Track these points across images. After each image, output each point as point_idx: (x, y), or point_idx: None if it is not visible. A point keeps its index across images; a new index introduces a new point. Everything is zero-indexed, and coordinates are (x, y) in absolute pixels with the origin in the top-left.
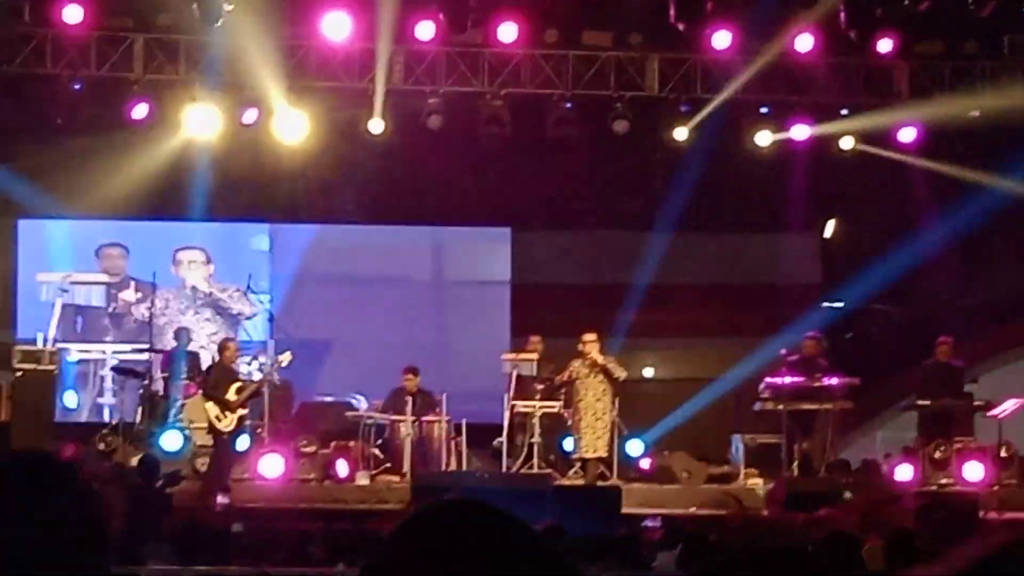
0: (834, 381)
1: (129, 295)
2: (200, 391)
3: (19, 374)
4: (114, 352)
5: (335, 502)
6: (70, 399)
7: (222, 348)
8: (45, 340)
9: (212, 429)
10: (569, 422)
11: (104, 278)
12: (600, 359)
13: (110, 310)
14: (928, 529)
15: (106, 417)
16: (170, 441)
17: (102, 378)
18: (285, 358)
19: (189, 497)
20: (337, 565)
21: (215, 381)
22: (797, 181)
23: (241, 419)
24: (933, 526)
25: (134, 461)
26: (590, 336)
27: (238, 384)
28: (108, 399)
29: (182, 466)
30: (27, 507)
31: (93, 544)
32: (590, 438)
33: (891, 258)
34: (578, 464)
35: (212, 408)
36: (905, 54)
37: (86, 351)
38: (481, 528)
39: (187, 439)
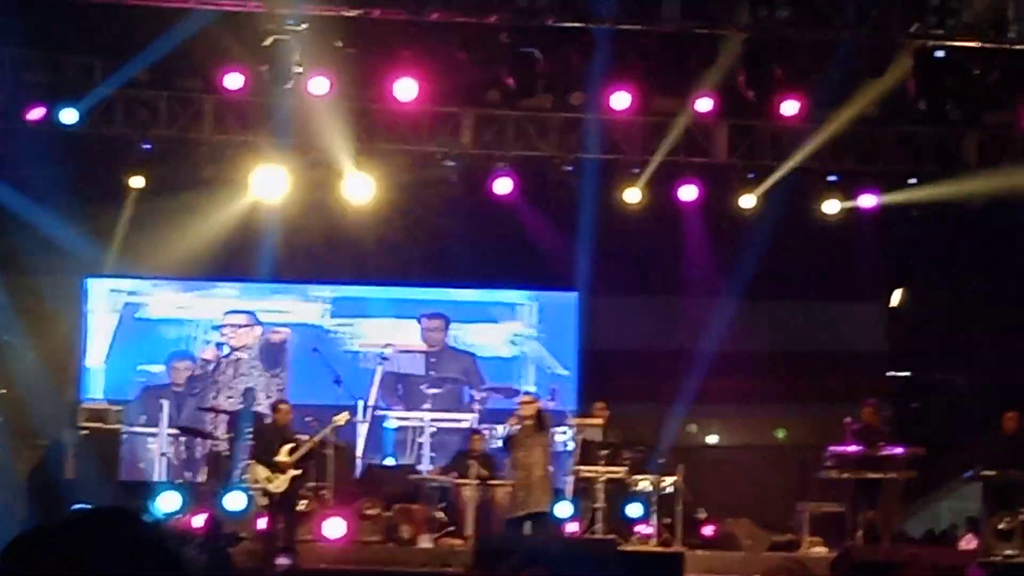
0: (899, 450)
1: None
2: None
3: (84, 432)
4: (432, 419)
5: (398, 564)
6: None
7: (275, 409)
8: (366, 407)
9: (265, 491)
10: (631, 488)
11: (423, 347)
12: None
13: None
14: None
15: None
16: (234, 501)
17: (420, 444)
18: (342, 418)
19: (250, 558)
20: None
21: (266, 443)
22: (864, 249)
23: (295, 479)
24: None
25: (197, 520)
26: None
27: (291, 445)
28: (425, 464)
29: (244, 527)
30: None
31: None
32: (539, 494)
33: (958, 327)
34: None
35: (262, 471)
36: (974, 123)
37: (405, 418)
38: None
39: (251, 499)
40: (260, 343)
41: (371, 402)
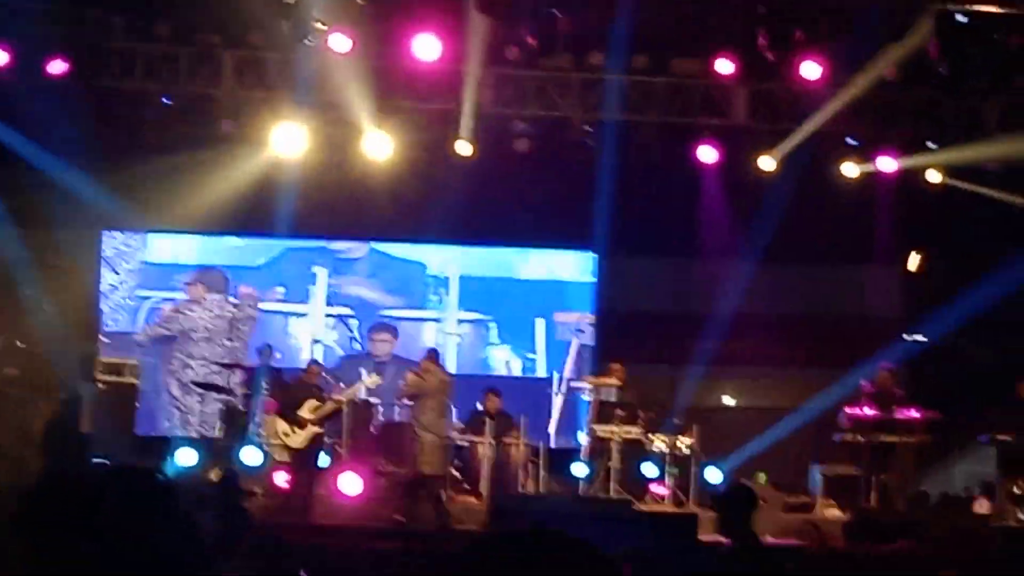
0: (914, 414)
1: None
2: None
3: (101, 386)
4: None
5: (412, 521)
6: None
7: (306, 370)
8: (560, 379)
9: (284, 446)
10: (647, 448)
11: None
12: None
13: None
14: (1005, 564)
15: None
16: (250, 456)
17: None
18: (373, 380)
19: (266, 513)
20: None
21: (291, 398)
22: (882, 213)
23: (314, 437)
24: (1010, 561)
25: (213, 475)
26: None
27: (315, 402)
28: None
29: (259, 482)
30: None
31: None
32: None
33: (974, 293)
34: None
35: (281, 424)
36: (995, 88)
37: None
38: (559, 559)
39: (266, 455)
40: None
41: (567, 375)
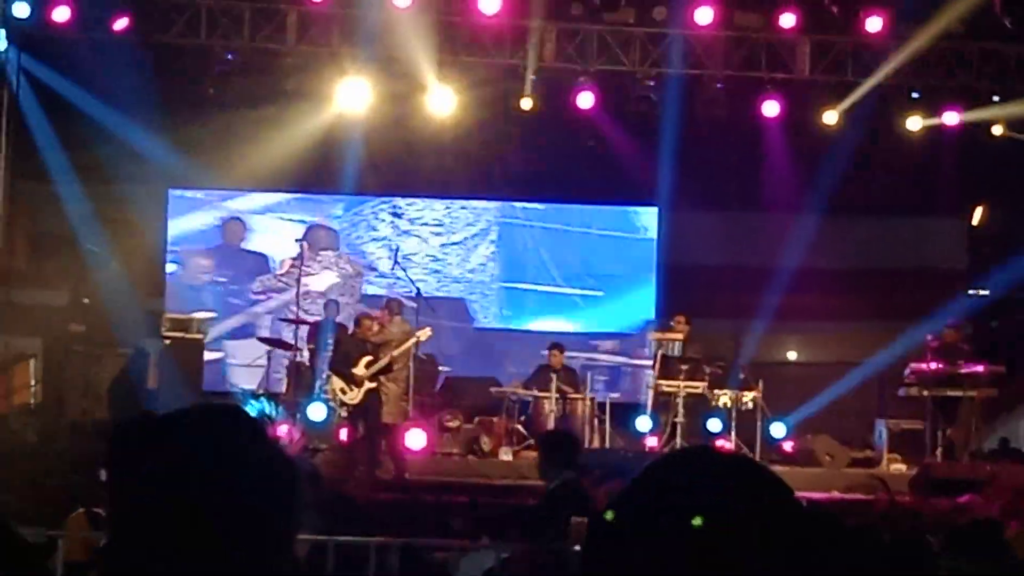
0: (979, 368)
1: None
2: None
3: (167, 342)
4: None
5: (478, 477)
6: None
7: (357, 323)
8: None
9: (343, 403)
10: (711, 403)
11: None
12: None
13: None
14: None
15: None
16: (316, 412)
17: None
18: (424, 333)
19: (333, 468)
20: (480, 538)
21: (343, 355)
22: (946, 167)
23: (369, 392)
24: None
25: (282, 431)
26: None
27: (368, 358)
28: None
29: (325, 438)
30: (233, 451)
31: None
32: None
33: None
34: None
35: (337, 382)
36: None
37: None
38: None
39: (332, 411)
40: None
41: None
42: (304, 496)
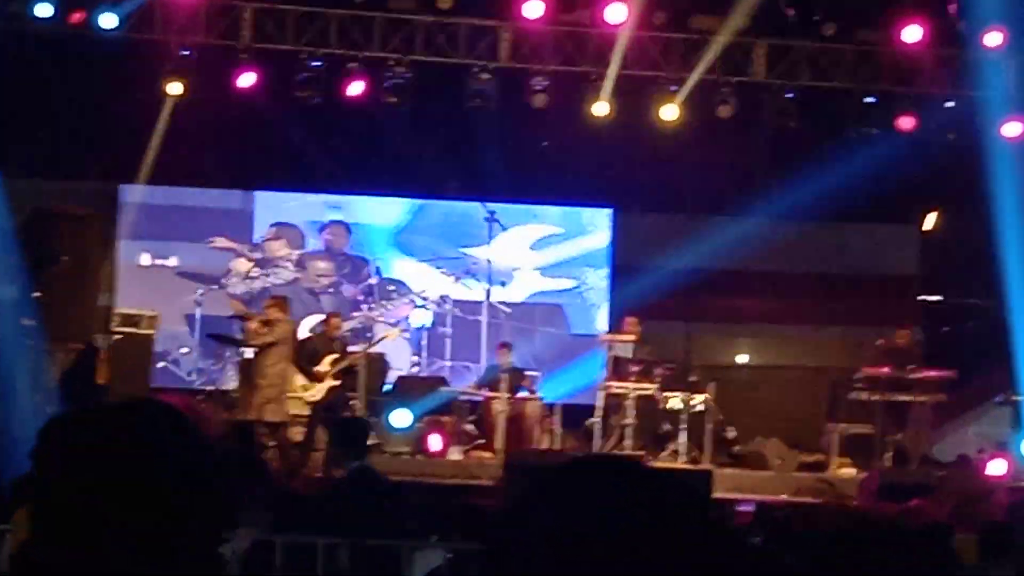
0: (930, 373)
1: None
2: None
3: (118, 337)
4: None
5: (427, 476)
6: None
7: (326, 321)
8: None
9: (304, 400)
10: (662, 405)
11: None
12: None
13: None
14: (1021, 524)
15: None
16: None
17: None
18: (393, 333)
19: (284, 464)
20: (430, 538)
21: (309, 352)
22: (898, 171)
23: (332, 390)
24: None
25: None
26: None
27: (334, 356)
28: None
29: (276, 436)
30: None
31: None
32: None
33: (991, 253)
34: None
35: (298, 378)
36: (1013, 49)
37: None
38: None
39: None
40: None
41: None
42: (235, 491)
